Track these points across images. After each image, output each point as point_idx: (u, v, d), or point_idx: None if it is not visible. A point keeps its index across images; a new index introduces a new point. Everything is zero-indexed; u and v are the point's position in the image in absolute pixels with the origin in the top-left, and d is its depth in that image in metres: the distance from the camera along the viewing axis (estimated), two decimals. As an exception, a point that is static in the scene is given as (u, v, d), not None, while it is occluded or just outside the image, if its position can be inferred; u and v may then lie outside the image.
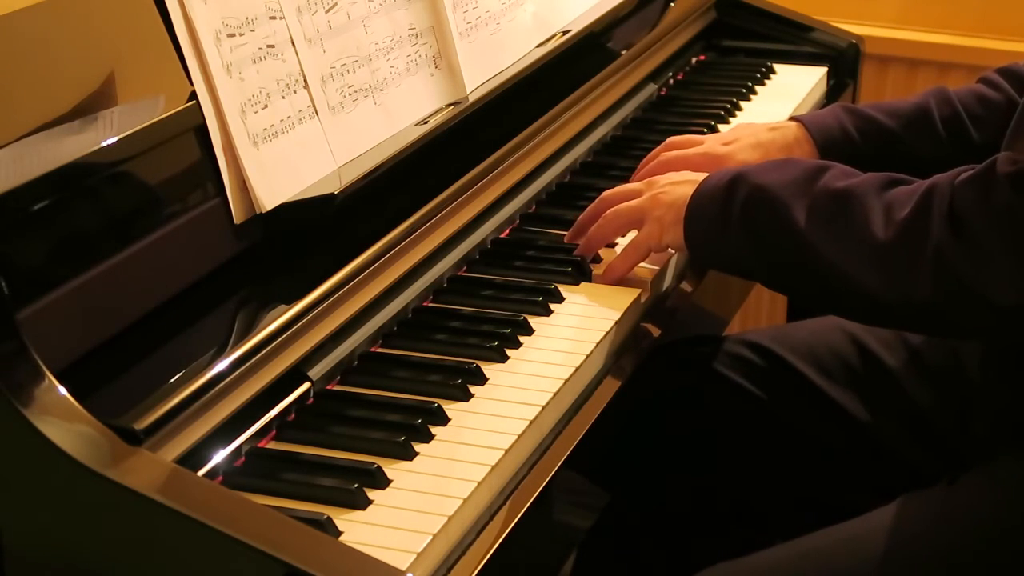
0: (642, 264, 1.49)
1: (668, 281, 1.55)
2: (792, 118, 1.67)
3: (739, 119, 1.97)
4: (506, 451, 1.19)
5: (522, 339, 1.37)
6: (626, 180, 1.74)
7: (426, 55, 1.53)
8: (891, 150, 1.63)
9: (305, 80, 1.36)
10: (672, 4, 2.10)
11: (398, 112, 1.47)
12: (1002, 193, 1.22)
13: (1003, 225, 1.22)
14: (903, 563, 1.27)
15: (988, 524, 1.26)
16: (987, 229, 1.23)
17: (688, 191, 1.42)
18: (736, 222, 1.37)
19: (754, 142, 1.63)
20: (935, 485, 1.34)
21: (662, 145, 1.67)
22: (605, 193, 1.52)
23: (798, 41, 2.22)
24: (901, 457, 1.53)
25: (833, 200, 1.32)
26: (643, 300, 1.47)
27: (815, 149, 1.62)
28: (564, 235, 1.56)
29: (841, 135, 1.62)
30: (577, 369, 1.32)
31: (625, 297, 1.45)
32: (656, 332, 1.46)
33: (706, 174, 1.44)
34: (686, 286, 1.56)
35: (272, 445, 1.20)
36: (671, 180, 1.47)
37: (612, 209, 1.49)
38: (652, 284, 1.49)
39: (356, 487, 1.12)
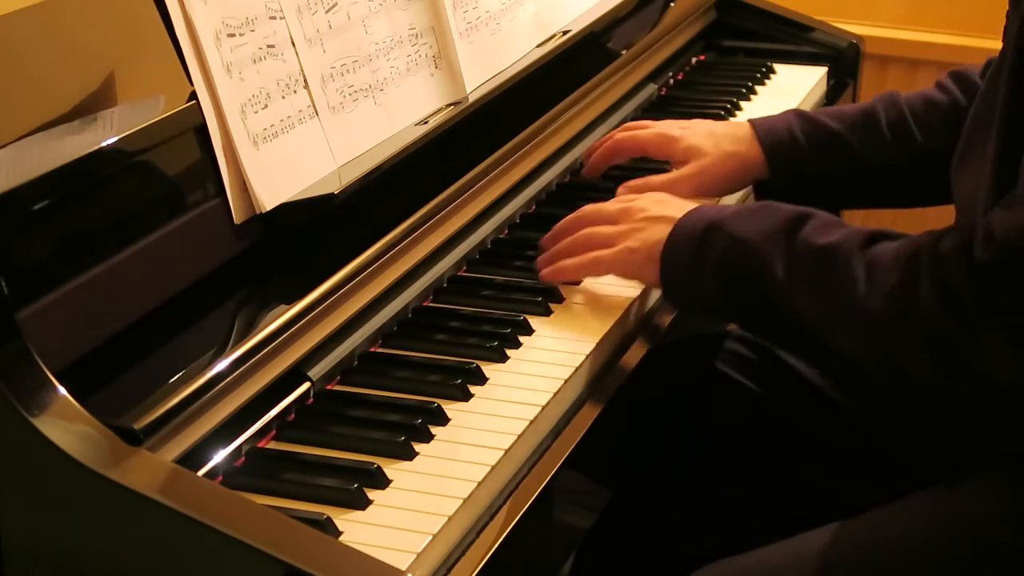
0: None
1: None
2: (749, 120, 1.69)
3: (739, 119, 1.97)
4: (506, 451, 1.19)
5: (522, 339, 1.37)
6: (626, 180, 1.74)
7: (426, 55, 1.53)
8: (836, 152, 1.63)
9: (305, 80, 1.36)
10: (672, 4, 2.10)
11: (398, 112, 1.47)
12: (992, 274, 1.16)
13: (998, 301, 1.16)
14: (902, 565, 1.27)
15: (988, 532, 1.25)
16: (981, 306, 1.16)
17: (663, 232, 1.40)
18: (712, 274, 1.35)
19: (707, 131, 1.66)
20: (934, 482, 1.34)
21: (619, 128, 1.69)
22: (582, 210, 1.51)
23: (798, 41, 2.21)
24: (900, 453, 1.53)
25: (814, 258, 1.28)
26: (644, 299, 1.48)
27: (761, 149, 1.63)
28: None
29: (788, 137, 1.64)
30: (577, 369, 1.32)
31: (625, 297, 1.45)
32: (657, 329, 1.46)
33: (684, 208, 1.42)
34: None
35: (272, 445, 1.20)
36: (647, 215, 1.44)
37: (587, 231, 1.47)
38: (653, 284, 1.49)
39: (356, 487, 1.12)
